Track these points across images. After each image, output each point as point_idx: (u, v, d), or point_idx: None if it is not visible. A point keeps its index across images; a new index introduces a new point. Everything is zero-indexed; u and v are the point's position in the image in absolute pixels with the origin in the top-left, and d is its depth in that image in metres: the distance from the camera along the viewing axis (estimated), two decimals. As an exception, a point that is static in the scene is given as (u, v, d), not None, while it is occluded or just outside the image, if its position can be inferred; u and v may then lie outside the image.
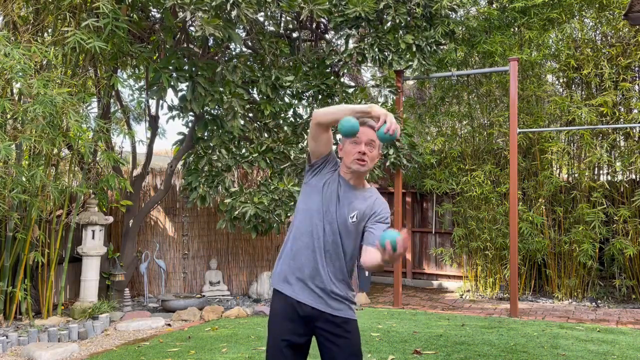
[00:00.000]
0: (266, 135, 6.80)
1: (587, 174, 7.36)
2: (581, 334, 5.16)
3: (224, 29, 5.37)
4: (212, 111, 6.43)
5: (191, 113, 6.48)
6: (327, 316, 2.21)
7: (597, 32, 7.52)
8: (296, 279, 2.24)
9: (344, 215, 2.23)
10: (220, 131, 6.33)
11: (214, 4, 5.18)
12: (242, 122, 6.56)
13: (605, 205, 7.03)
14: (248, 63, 6.49)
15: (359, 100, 6.76)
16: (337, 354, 2.19)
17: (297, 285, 2.23)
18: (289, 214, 6.11)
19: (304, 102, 6.97)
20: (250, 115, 6.89)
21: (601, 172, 7.65)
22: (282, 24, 7.07)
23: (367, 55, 6.32)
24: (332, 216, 2.23)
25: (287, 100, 6.69)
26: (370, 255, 2.14)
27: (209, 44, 6.53)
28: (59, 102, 4.95)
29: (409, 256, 8.81)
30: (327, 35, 7.69)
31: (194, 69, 6.05)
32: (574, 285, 7.27)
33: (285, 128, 6.78)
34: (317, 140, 2.28)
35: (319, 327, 2.22)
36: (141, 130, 30.25)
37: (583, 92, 7.72)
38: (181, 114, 6.46)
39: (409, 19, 6.39)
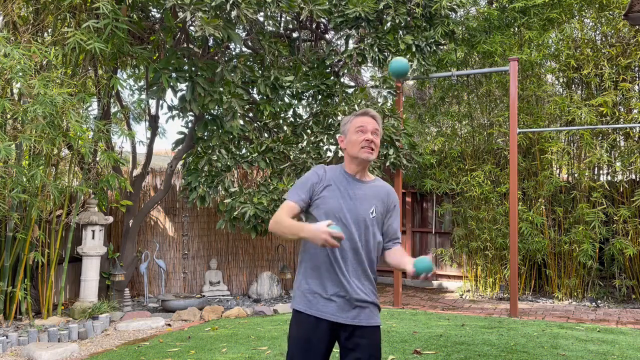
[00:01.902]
0: (266, 135, 6.80)
1: (587, 174, 7.36)
2: (581, 334, 5.16)
3: (223, 29, 5.37)
4: (212, 111, 6.44)
5: (191, 113, 6.48)
6: (351, 327, 2.20)
7: (597, 32, 7.51)
8: (319, 296, 2.20)
9: (363, 213, 2.21)
10: (220, 131, 6.34)
11: (213, 4, 5.18)
12: (241, 122, 6.56)
13: (605, 205, 7.03)
14: (248, 63, 6.49)
15: (359, 101, 6.76)
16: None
17: (320, 303, 2.19)
18: (288, 214, 6.10)
19: (303, 102, 6.97)
20: (250, 115, 6.89)
21: (601, 172, 7.64)
22: (282, 24, 7.08)
23: (367, 55, 6.32)
24: (347, 219, 2.19)
25: (286, 100, 6.70)
26: (397, 260, 2.24)
27: (209, 44, 6.53)
28: (59, 102, 4.95)
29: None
30: (327, 36, 7.69)
31: (193, 68, 6.05)
32: (574, 285, 7.27)
33: (285, 128, 6.78)
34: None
35: (342, 336, 2.22)
36: (141, 130, 30.27)
37: (583, 92, 7.72)
38: (181, 114, 6.47)
39: (408, 19, 6.39)
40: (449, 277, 8.56)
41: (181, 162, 6.94)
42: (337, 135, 2.35)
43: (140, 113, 7.98)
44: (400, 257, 2.25)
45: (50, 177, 5.89)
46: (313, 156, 6.41)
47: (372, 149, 2.21)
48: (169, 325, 5.78)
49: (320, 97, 6.81)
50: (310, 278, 2.22)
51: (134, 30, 6.14)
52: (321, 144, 6.62)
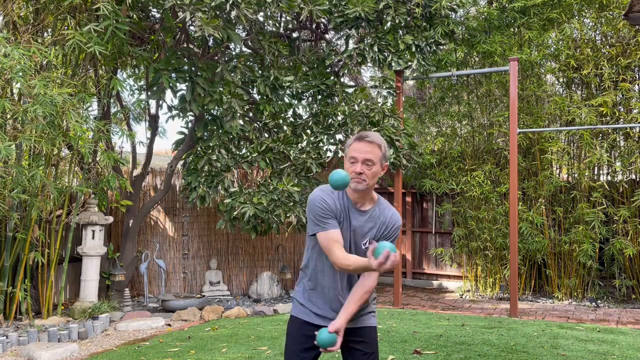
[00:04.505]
0: (266, 135, 6.80)
1: (587, 174, 7.36)
2: (581, 334, 5.16)
3: (223, 29, 5.37)
4: (212, 111, 6.44)
5: (191, 113, 6.49)
6: (349, 329, 2.25)
7: (597, 32, 7.52)
8: (317, 308, 2.26)
9: (358, 243, 2.22)
10: (220, 131, 6.34)
11: (213, 4, 5.18)
12: (241, 122, 6.57)
13: (605, 205, 7.03)
14: (248, 63, 6.49)
15: (359, 101, 6.75)
16: (357, 358, 2.26)
17: (316, 315, 2.26)
18: (288, 214, 6.11)
19: (303, 102, 6.97)
20: (250, 115, 6.90)
21: (601, 172, 7.64)
22: (282, 24, 7.09)
23: (367, 55, 6.32)
24: (348, 249, 2.21)
25: (286, 100, 6.70)
26: (349, 298, 2.16)
27: (209, 44, 6.53)
28: (59, 102, 4.96)
29: (409, 256, 8.82)
30: (327, 36, 7.69)
31: (193, 69, 6.05)
32: (574, 285, 7.27)
33: (285, 128, 6.79)
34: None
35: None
36: (141, 130, 30.28)
37: (583, 92, 7.72)
38: (181, 114, 6.47)
39: (408, 19, 6.39)
40: (449, 277, 8.56)
41: (181, 162, 6.94)
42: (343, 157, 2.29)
43: (140, 113, 7.99)
44: (351, 296, 2.17)
45: (50, 177, 5.89)
46: (313, 156, 6.41)
47: (361, 180, 2.13)
48: (169, 325, 5.78)
49: (320, 97, 6.81)
50: (309, 295, 2.29)
51: (134, 30, 6.14)
52: (321, 144, 6.62)
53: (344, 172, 2.05)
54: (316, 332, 2.13)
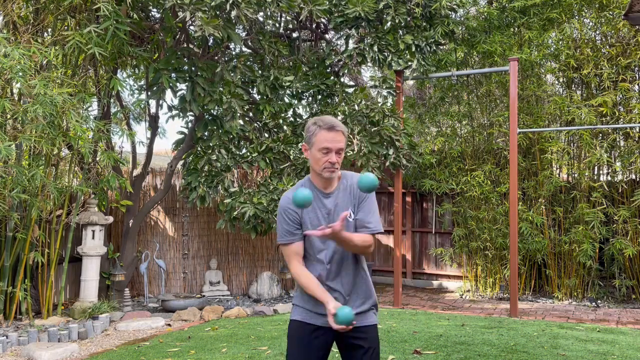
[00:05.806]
0: (266, 135, 6.81)
1: (587, 174, 7.36)
2: (581, 334, 5.16)
3: (223, 29, 5.37)
4: (212, 111, 6.44)
5: (191, 113, 6.49)
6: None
7: (597, 32, 7.52)
8: (315, 306, 2.24)
9: (347, 221, 2.23)
10: (220, 131, 6.34)
11: (213, 4, 5.18)
12: (241, 122, 6.56)
13: (605, 205, 7.03)
14: (248, 63, 6.49)
15: (359, 101, 6.75)
16: (358, 358, 2.24)
17: (315, 313, 2.25)
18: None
19: (303, 102, 6.97)
20: (250, 115, 6.90)
21: (601, 172, 7.64)
22: (282, 24, 7.09)
23: (367, 55, 6.32)
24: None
25: (286, 100, 6.70)
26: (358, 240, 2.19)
27: (209, 44, 6.53)
28: (59, 102, 4.96)
29: (409, 256, 8.82)
30: (327, 36, 7.69)
31: (193, 68, 6.05)
32: (573, 285, 7.27)
33: (285, 128, 6.79)
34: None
35: (340, 336, 2.27)
36: (141, 130, 30.27)
37: (583, 92, 7.72)
38: (181, 114, 6.47)
39: (408, 19, 6.39)
40: (449, 277, 8.56)
41: (181, 162, 6.94)
42: (301, 144, 2.32)
43: (140, 113, 7.98)
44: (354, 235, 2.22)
45: (50, 177, 5.89)
46: (313, 156, 6.41)
47: (335, 169, 2.21)
48: (169, 325, 5.78)
49: (320, 97, 6.81)
50: (307, 296, 2.27)
51: (134, 30, 6.14)
52: (321, 144, 6.61)
53: (307, 191, 2.07)
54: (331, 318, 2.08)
